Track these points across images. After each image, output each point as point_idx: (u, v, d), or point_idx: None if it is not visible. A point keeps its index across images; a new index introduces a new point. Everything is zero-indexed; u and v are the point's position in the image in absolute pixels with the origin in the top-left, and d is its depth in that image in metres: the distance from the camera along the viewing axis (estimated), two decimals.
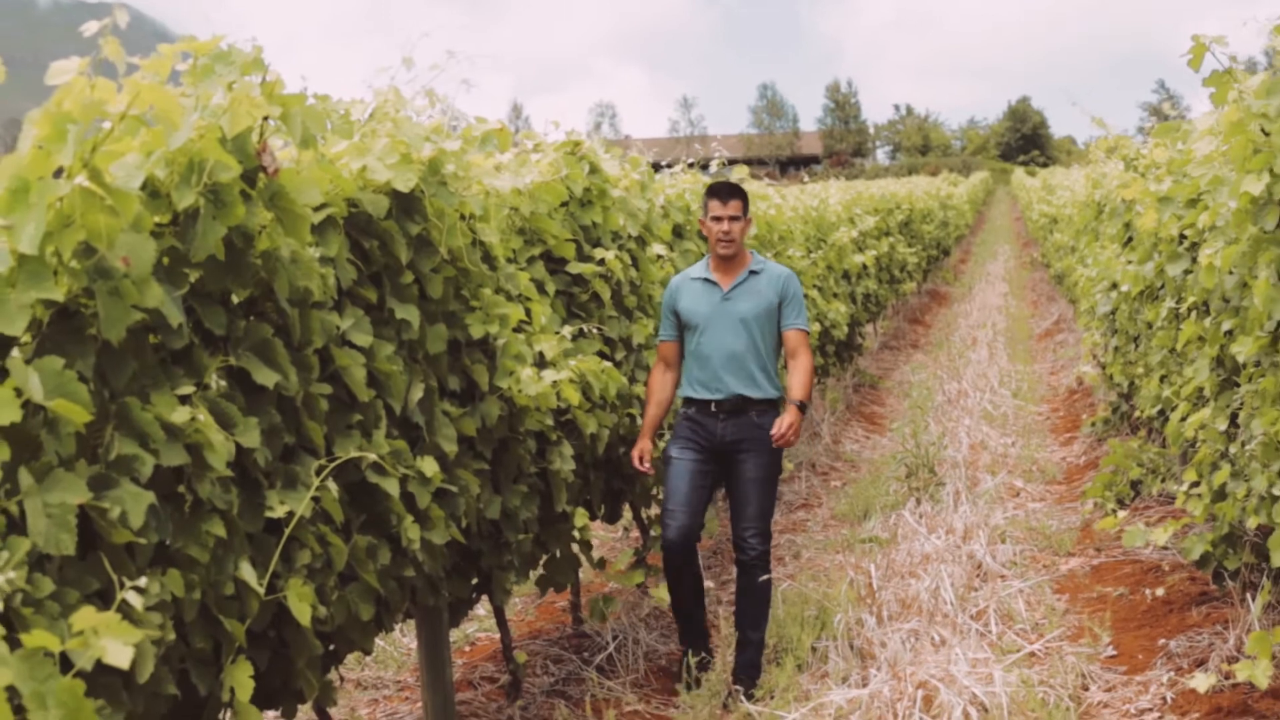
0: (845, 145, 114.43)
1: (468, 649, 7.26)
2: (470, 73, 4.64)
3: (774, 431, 6.33)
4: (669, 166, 9.41)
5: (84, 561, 2.85)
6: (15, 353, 2.81)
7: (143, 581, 2.68)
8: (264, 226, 3.56)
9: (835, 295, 13.41)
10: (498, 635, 7.19)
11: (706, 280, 6.53)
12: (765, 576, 6.31)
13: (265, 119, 3.48)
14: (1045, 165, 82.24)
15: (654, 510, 7.57)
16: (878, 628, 6.51)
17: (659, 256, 7.45)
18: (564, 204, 6.20)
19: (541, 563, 6.06)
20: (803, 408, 6.49)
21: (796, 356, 6.55)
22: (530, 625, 7.38)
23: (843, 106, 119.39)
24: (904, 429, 11.80)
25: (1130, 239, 9.51)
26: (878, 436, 13.12)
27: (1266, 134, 4.70)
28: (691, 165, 9.64)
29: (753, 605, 6.33)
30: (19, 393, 2.67)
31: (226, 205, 3.26)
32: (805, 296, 11.18)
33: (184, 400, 3.22)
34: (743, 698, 5.98)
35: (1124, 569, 7.76)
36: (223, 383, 3.39)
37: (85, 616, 2.51)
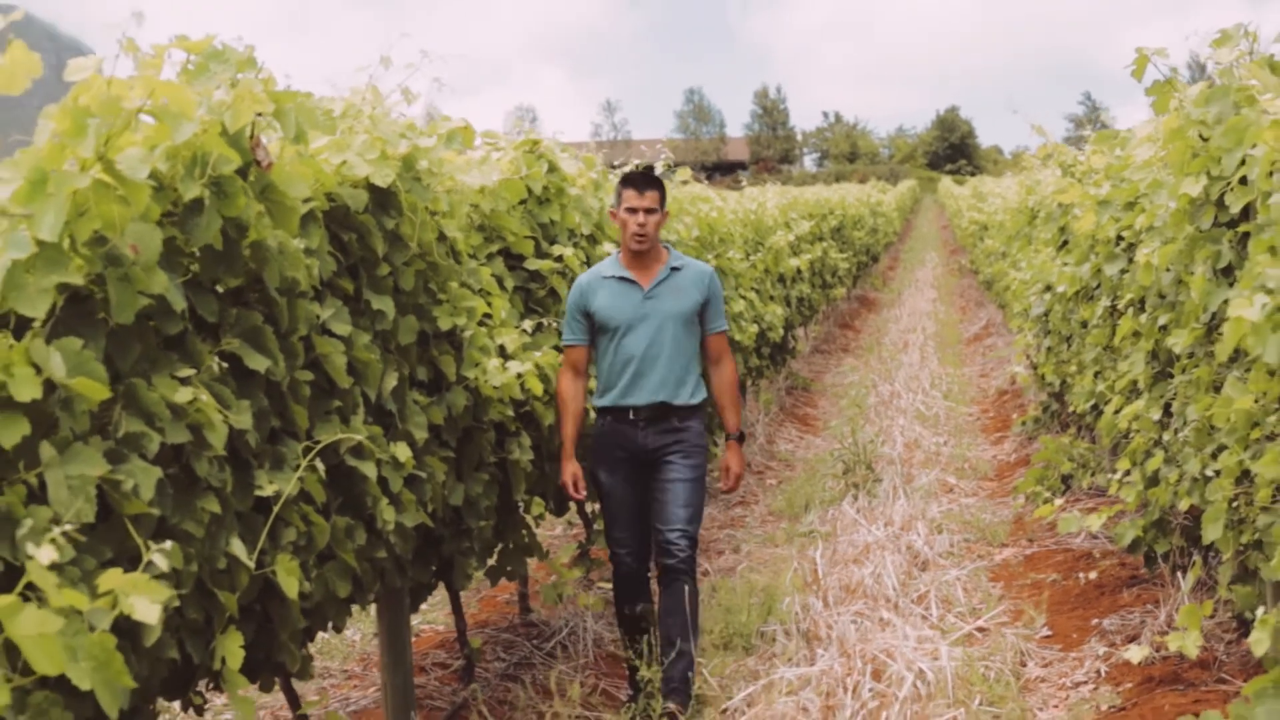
0: (773, 151, 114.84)
1: (414, 639, 7.39)
2: (442, 72, 4.80)
3: (724, 486, 6.29)
4: (614, 169, 9.57)
5: (94, 532, 2.99)
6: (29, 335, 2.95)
7: (167, 545, 2.83)
8: (255, 217, 3.72)
9: (772, 298, 13.62)
10: (441, 628, 7.36)
11: (622, 279, 6.07)
12: (691, 584, 5.93)
13: (258, 114, 3.63)
14: (973, 174, 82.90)
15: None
16: (824, 611, 6.73)
17: (609, 254, 7.63)
18: (522, 201, 6.35)
19: (496, 552, 6.21)
20: (741, 438, 6.35)
21: (721, 365, 6.30)
22: (475, 618, 7.50)
23: (771, 112, 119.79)
24: (841, 427, 12.06)
25: (1065, 242, 9.78)
26: (811, 437, 13.36)
27: (1205, 139, 4.95)
28: (638, 167, 9.79)
29: (681, 614, 5.86)
30: (39, 371, 2.82)
31: (228, 196, 3.43)
32: (742, 299, 11.38)
33: (184, 382, 3.37)
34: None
35: (1056, 557, 8.02)
36: (219, 367, 3.54)
37: (112, 578, 2.66)
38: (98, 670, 2.58)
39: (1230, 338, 3.87)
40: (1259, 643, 4.04)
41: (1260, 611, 4.08)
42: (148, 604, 2.66)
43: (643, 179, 6.03)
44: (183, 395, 3.29)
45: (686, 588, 5.88)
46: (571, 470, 6.09)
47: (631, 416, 6.03)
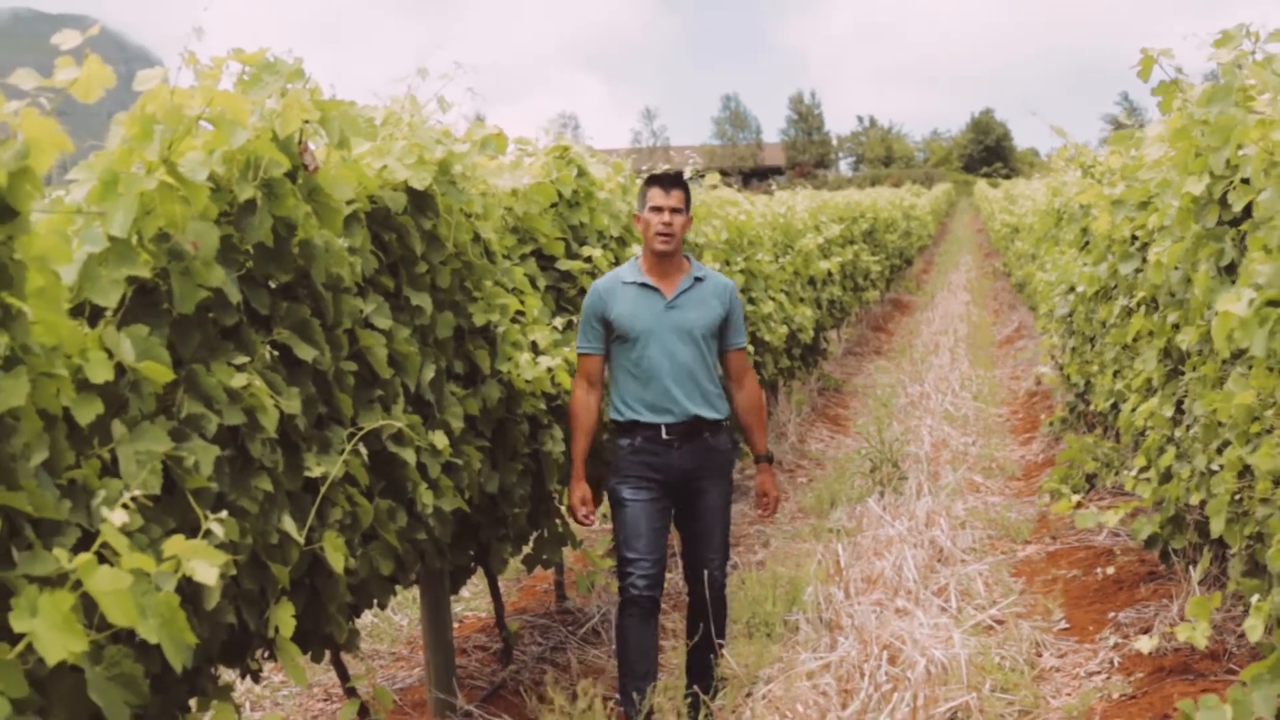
0: (808, 156, 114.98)
1: (455, 625, 7.66)
2: (476, 82, 5.05)
3: (763, 512, 6.11)
4: (640, 174, 9.79)
5: (159, 504, 3.26)
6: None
7: (224, 514, 3.09)
8: (303, 218, 3.98)
9: (801, 300, 13.84)
10: (483, 615, 7.62)
11: (643, 285, 5.84)
12: (723, 596, 5.89)
13: (305, 121, 3.89)
14: (1008, 177, 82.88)
15: None
16: (845, 601, 6.94)
17: (637, 255, 7.87)
18: (553, 205, 6.60)
19: (532, 539, 6.46)
20: (771, 459, 6.18)
21: (743, 384, 6.09)
22: (514, 605, 7.78)
23: (806, 118, 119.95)
24: (868, 426, 12.26)
25: (1087, 243, 9.97)
26: (842, 436, 13.56)
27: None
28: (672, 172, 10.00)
29: (708, 610, 5.79)
30: (111, 355, 3.09)
31: (278, 198, 3.69)
32: (771, 300, 11.60)
33: (239, 369, 3.63)
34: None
35: (1078, 554, 8.22)
36: (270, 355, 3.81)
37: (176, 543, 2.91)
38: (164, 626, 2.82)
39: (1219, 332, 4.07)
40: (1254, 629, 4.24)
41: (1256, 599, 4.29)
42: (207, 567, 2.91)
43: (668, 178, 5.84)
44: (238, 380, 3.55)
45: (719, 599, 5.83)
46: (581, 493, 5.85)
47: (665, 435, 5.75)
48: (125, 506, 2.79)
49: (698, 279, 5.90)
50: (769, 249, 12.23)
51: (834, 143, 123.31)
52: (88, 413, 2.98)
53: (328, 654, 4.72)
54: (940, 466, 11.18)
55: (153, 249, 3.33)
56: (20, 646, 2.51)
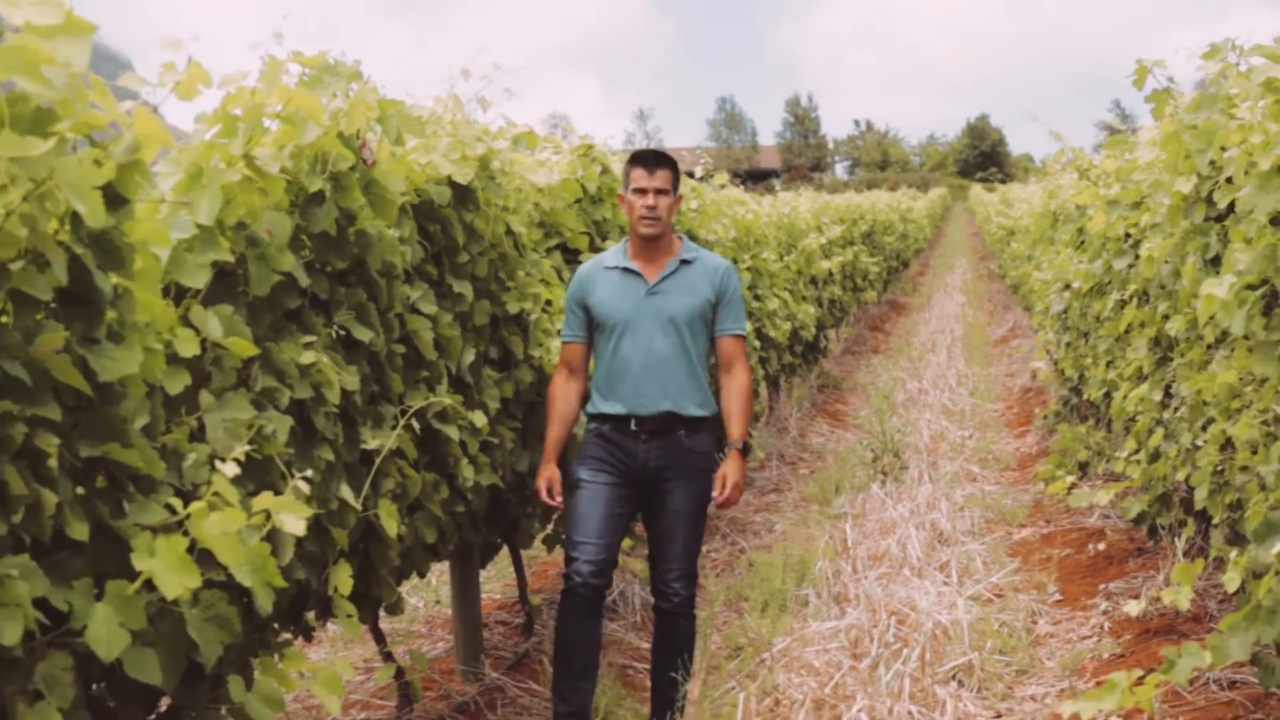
0: (804, 159, 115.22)
1: None
2: (512, 82, 5.39)
3: (718, 495, 5.50)
4: None
5: (241, 468, 3.59)
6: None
7: (309, 472, 3.42)
8: (359, 209, 4.32)
9: (804, 298, 14.17)
10: (498, 596, 7.95)
11: (626, 270, 5.51)
12: (689, 623, 5.54)
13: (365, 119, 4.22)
14: (1003, 182, 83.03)
15: None
16: (853, 576, 7.29)
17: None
18: (577, 200, 6.93)
19: (554, 519, 6.79)
20: (745, 450, 5.70)
21: (732, 372, 5.59)
22: (531, 585, 8.10)
23: (802, 121, 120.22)
24: (870, 419, 12.62)
25: (1083, 241, 10.32)
26: (842, 431, 13.90)
27: None
28: (683, 173, 10.31)
29: (675, 653, 5.50)
30: (197, 332, 3.42)
31: (344, 190, 4.04)
32: (776, 298, 11.93)
33: (307, 347, 3.97)
34: None
35: (1071, 535, 8.58)
36: (334, 335, 4.15)
37: (265, 499, 3.25)
38: (255, 572, 3.16)
39: (1203, 314, 4.43)
40: (1231, 580, 4.61)
41: (1234, 555, 4.64)
42: (294, 519, 3.25)
43: (653, 156, 5.47)
44: (307, 357, 3.89)
45: (684, 627, 5.50)
46: (549, 475, 5.52)
47: (633, 428, 5.43)
48: (236, 461, 3.13)
49: (685, 261, 5.52)
50: (774, 248, 12.56)
51: (830, 146, 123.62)
52: (177, 384, 3.31)
53: (364, 628, 5.06)
54: (939, 457, 11.52)
55: (232, 236, 3.67)
56: (138, 583, 2.84)
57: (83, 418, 2.87)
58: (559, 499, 5.49)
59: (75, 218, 2.79)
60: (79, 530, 2.80)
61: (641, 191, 5.43)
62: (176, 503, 2.97)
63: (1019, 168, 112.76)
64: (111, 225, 2.88)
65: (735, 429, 5.57)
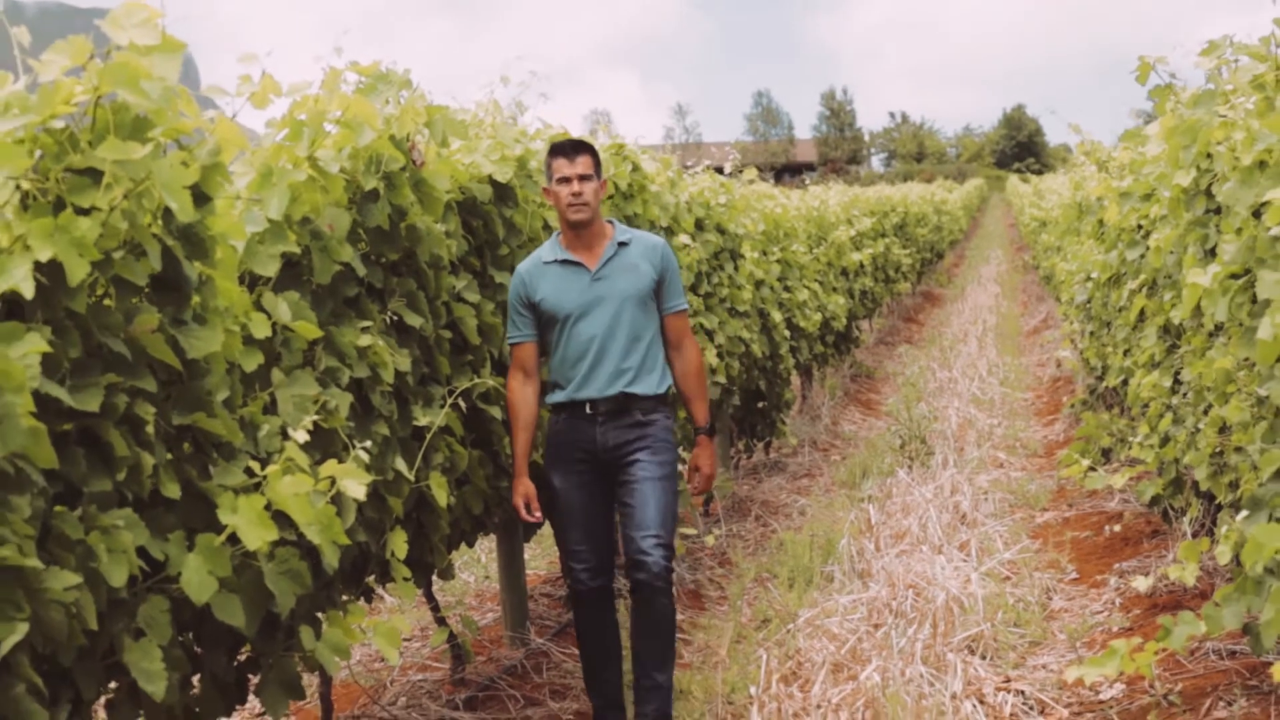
0: (840, 153, 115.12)
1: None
2: (547, 87, 5.76)
3: (693, 485, 5.70)
4: (687, 169, 10.45)
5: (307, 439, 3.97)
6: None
7: (368, 444, 3.80)
8: (410, 205, 4.70)
9: (834, 290, 14.51)
10: (542, 573, 8.33)
11: (566, 261, 5.44)
12: (669, 600, 5.35)
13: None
14: (1040, 173, 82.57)
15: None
16: (875, 554, 7.64)
17: (685, 245, 8.53)
18: (610, 197, 7.27)
19: None
20: (711, 432, 5.74)
21: (682, 349, 5.63)
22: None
23: (838, 114, 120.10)
24: (898, 406, 12.96)
25: (1102, 233, 10.61)
26: (873, 419, 14.23)
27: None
28: (712, 168, 10.64)
29: (656, 639, 5.35)
30: (269, 316, 3.81)
31: (396, 188, 4.42)
32: (806, 289, 12.28)
33: (364, 331, 4.35)
34: None
35: (1090, 519, 8.89)
36: (389, 320, 4.53)
37: (330, 467, 3.63)
38: (323, 531, 3.54)
39: (1189, 301, 4.76)
40: (1223, 554, 4.95)
41: (1224, 529, 4.97)
42: (356, 485, 3.63)
43: (569, 146, 5.41)
44: (364, 340, 4.28)
45: (663, 604, 5.33)
46: (524, 490, 5.40)
47: (589, 411, 5.41)
48: (306, 430, 3.51)
49: (622, 244, 5.52)
50: (803, 240, 12.90)
51: (866, 139, 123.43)
52: (251, 362, 3.69)
53: (420, 595, 5.44)
54: (966, 444, 11.84)
55: (297, 230, 4.05)
56: (223, 536, 3.22)
57: (173, 390, 3.26)
58: (538, 514, 5.43)
59: (166, 213, 3.18)
60: (172, 489, 3.19)
61: (565, 180, 5.37)
62: (255, 465, 3.35)
63: (1056, 158, 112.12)
64: (197, 220, 3.25)
65: (699, 412, 5.65)
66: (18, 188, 2.84)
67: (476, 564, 8.45)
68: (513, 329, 5.45)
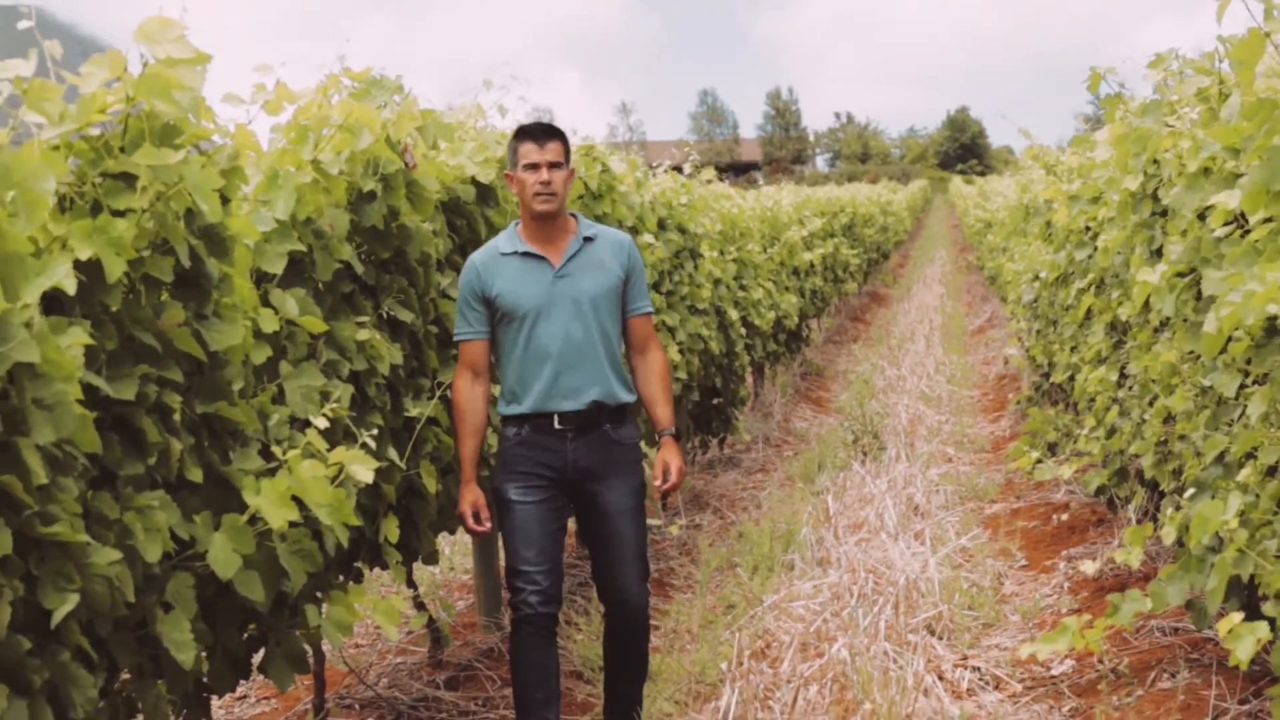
0: (785, 152, 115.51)
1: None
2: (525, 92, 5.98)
3: (660, 484, 5.21)
4: (653, 169, 10.65)
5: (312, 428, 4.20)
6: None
7: (375, 430, 4.03)
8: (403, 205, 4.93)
9: (787, 289, 14.80)
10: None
11: (527, 254, 5.02)
12: (646, 625, 5.20)
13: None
14: (983, 174, 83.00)
15: None
16: (834, 542, 7.92)
17: (649, 244, 8.75)
18: (579, 196, 7.50)
19: None
20: (676, 434, 5.43)
21: (647, 353, 5.28)
22: None
23: (783, 113, 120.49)
24: (850, 403, 13.27)
25: (1050, 234, 10.94)
26: (824, 416, 14.52)
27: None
28: (672, 168, 10.85)
29: (634, 659, 5.24)
30: (276, 311, 4.03)
31: (392, 189, 4.64)
32: (760, 287, 12.54)
33: (361, 326, 4.58)
34: None
35: (1038, 509, 9.21)
36: (384, 315, 4.76)
37: (339, 453, 3.86)
38: (332, 513, 3.76)
39: (1138, 298, 5.05)
40: (1167, 534, 5.24)
41: (1170, 512, 5.27)
42: (363, 469, 3.86)
43: (540, 130, 5.02)
44: (362, 335, 4.51)
45: (644, 632, 5.22)
46: (472, 497, 5.05)
47: (558, 426, 5.01)
48: (325, 416, 3.73)
49: (587, 239, 5.12)
50: (758, 240, 13.17)
51: (811, 138, 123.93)
52: (261, 355, 3.91)
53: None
54: (916, 440, 12.15)
55: (302, 230, 4.28)
56: (246, 515, 3.44)
57: (196, 381, 3.48)
58: (487, 524, 5.09)
59: (189, 213, 3.39)
60: (195, 473, 3.41)
61: (534, 167, 4.95)
62: (277, 450, 3.58)
63: (999, 160, 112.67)
64: (219, 220, 3.48)
65: (663, 414, 5.28)
66: (56, 191, 3.05)
67: (442, 556, 8.66)
68: (462, 324, 5.06)
